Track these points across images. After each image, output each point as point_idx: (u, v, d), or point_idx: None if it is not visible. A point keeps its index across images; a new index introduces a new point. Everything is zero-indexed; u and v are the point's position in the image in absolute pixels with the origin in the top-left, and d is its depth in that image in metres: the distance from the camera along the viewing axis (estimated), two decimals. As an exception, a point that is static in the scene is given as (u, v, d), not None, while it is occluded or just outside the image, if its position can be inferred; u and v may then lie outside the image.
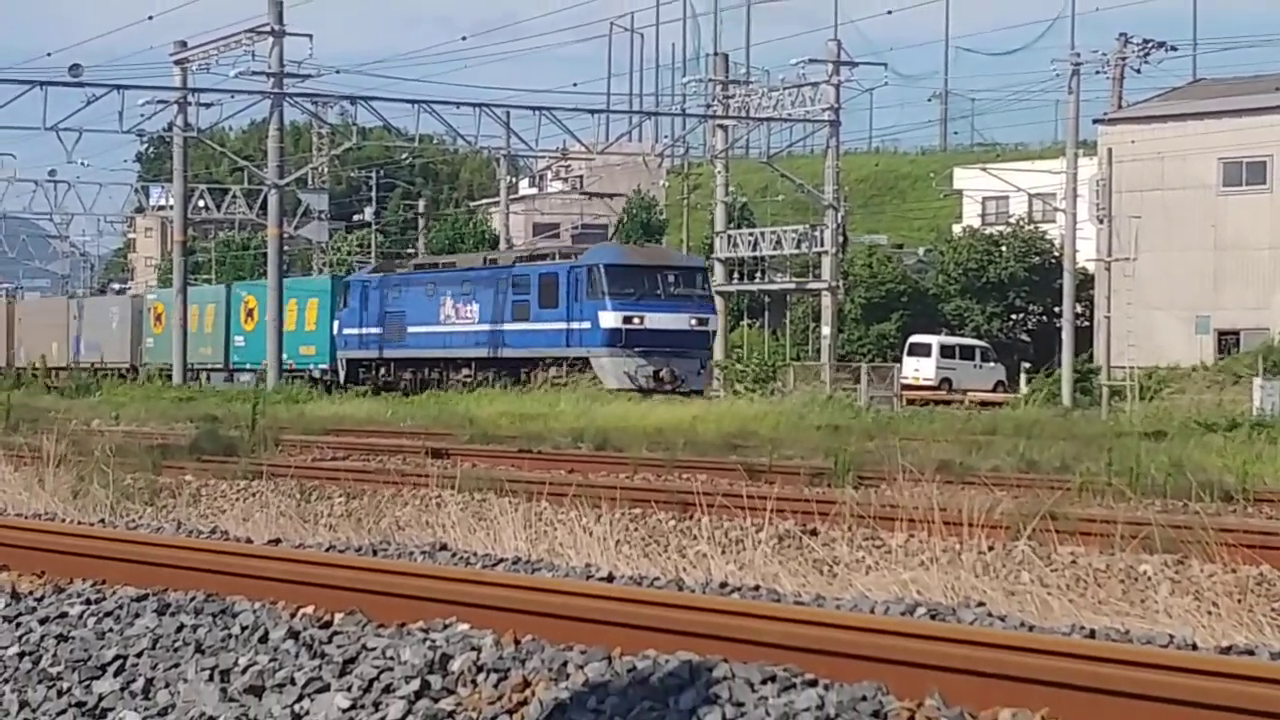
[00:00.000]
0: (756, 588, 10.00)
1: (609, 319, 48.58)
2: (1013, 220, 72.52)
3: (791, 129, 66.72)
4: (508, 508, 14.38)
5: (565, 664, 6.80)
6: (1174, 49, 62.05)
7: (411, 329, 56.01)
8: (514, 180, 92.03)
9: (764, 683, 6.35)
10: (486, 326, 52.78)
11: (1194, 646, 7.79)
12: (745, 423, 33.70)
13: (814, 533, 14.12)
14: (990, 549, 12.87)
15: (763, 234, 67.63)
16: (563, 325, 49.84)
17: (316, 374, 61.83)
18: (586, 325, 48.95)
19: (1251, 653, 7.61)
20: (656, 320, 48.67)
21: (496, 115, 60.77)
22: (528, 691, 6.59)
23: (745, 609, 7.48)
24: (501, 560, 11.19)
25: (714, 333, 51.82)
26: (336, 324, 60.06)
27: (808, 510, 14.82)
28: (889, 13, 68.56)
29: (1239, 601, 10.01)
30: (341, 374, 59.17)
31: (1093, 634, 8.07)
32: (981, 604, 9.33)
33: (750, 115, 64.65)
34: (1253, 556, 11.89)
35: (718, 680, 6.36)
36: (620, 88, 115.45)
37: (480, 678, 6.76)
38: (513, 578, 8.94)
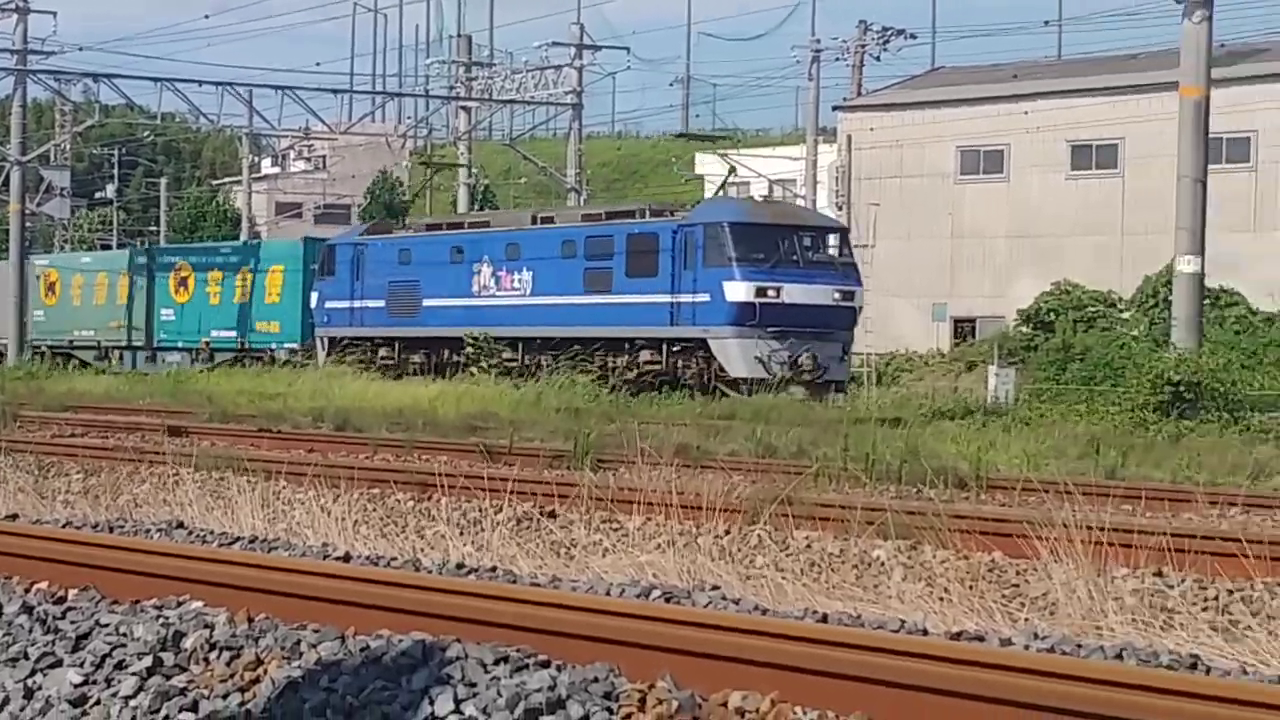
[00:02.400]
0: (494, 569, 9.91)
1: (737, 290, 38.57)
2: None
3: (534, 112, 66.64)
4: (245, 487, 14.14)
5: (298, 643, 6.77)
6: (913, 37, 63.14)
7: (429, 302, 45.88)
8: (256, 159, 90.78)
9: (497, 663, 6.31)
10: (545, 300, 42.71)
11: (925, 631, 7.85)
12: (486, 404, 33.59)
13: (552, 515, 14.07)
14: (727, 533, 12.91)
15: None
16: (667, 298, 39.79)
17: (283, 355, 51.93)
18: (704, 298, 39.00)
19: (981, 638, 7.69)
20: (795, 293, 38.92)
21: (239, 94, 59.87)
22: (260, 670, 6.58)
23: (480, 590, 7.39)
24: (238, 539, 11.01)
25: (860, 309, 41.41)
26: (315, 296, 49.63)
27: (547, 493, 14.76)
28: (633, -3, 68.86)
29: (970, 587, 10.11)
30: (321, 355, 48.83)
31: (825, 618, 8.10)
32: (716, 587, 9.33)
33: (493, 97, 64.46)
34: (985, 543, 12.06)
35: (451, 661, 6.29)
36: (364, 68, 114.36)
37: (213, 655, 6.76)
38: (248, 556, 8.78)
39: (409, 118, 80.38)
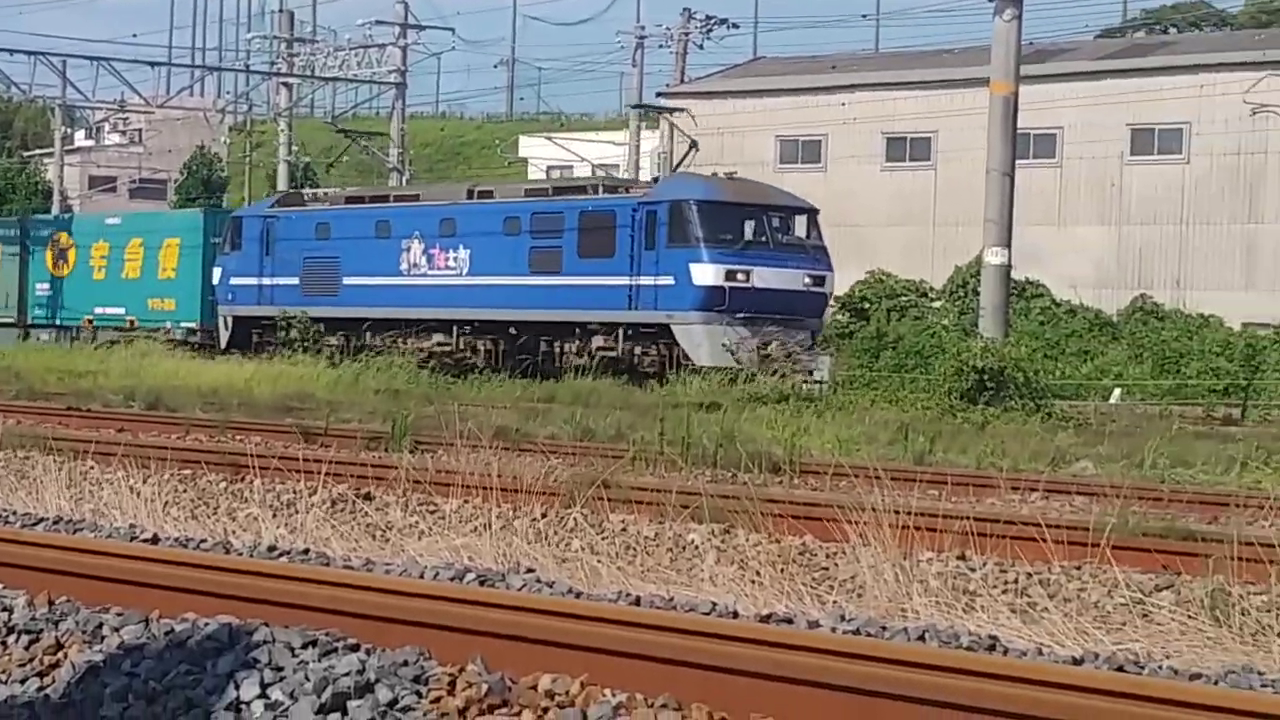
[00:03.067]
0: (306, 552, 9.87)
1: (705, 273, 36.11)
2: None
3: (357, 90, 66.21)
4: (51, 466, 13.93)
5: (100, 626, 6.66)
6: (736, 26, 63.56)
7: (349, 280, 42.92)
8: (69, 131, 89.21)
9: (305, 647, 6.27)
10: (484, 280, 39.93)
11: (736, 614, 7.95)
12: (303, 385, 33.34)
13: (368, 497, 14.01)
14: (544, 516, 12.95)
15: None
16: (625, 280, 37.22)
17: (178, 335, 48.28)
18: (668, 281, 36.48)
19: (790, 620, 7.79)
20: (766, 277, 36.44)
21: (52, 64, 58.85)
22: (60, 654, 6.46)
23: (291, 573, 7.36)
24: (42, 520, 10.85)
25: (830, 296, 39.27)
26: (218, 271, 46.37)
27: (363, 474, 14.70)
28: (459, -22, 68.63)
29: (781, 571, 10.24)
30: (223, 336, 45.83)
31: (638, 601, 8.17)
32: (531, 570, 9.37)
33: (315, 74, 63.91)
34: (797, 527, 12.20)
35: (258, 644, 6.26)
36: (183, 41, 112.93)
37: (10, 639, 6.62)
38: (50, 537, 8.66)
39: (228, 93, 79.48)
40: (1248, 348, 45.96)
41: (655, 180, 39.41)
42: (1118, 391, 40.23)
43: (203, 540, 9.95)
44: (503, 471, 13.68)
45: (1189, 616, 9.07)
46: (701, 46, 62.45)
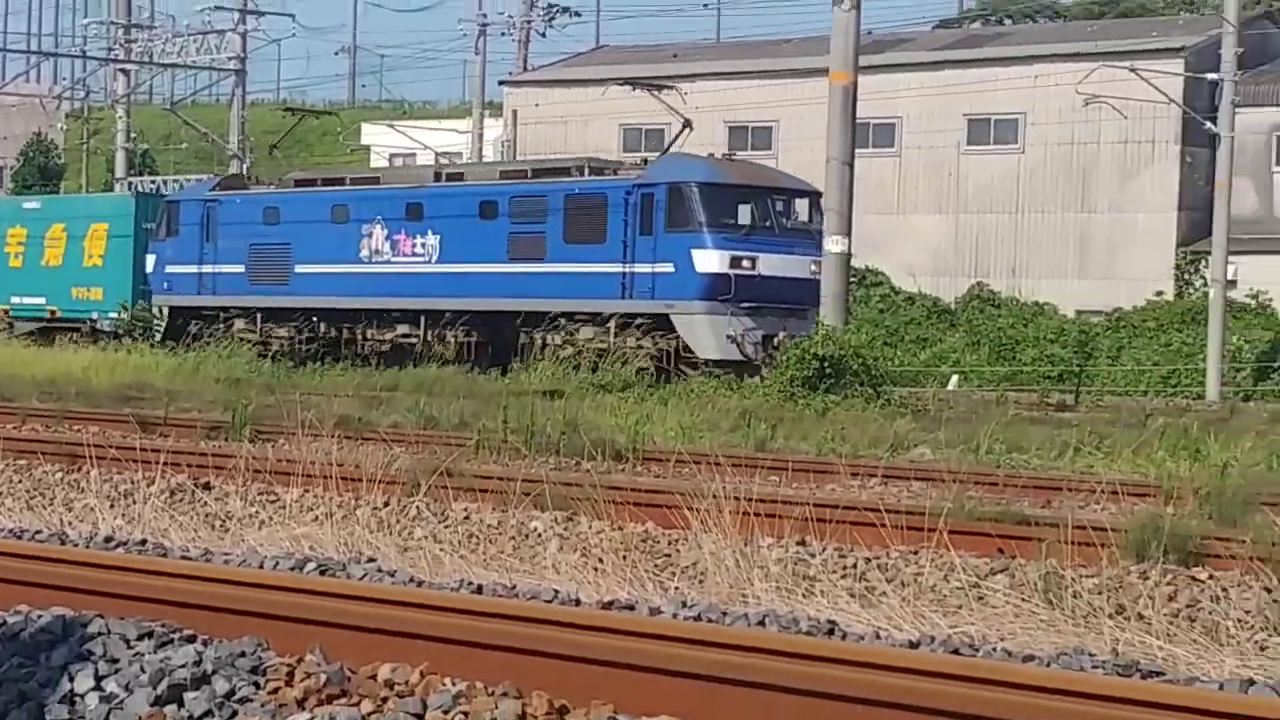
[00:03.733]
0: (144, 542, 9.77)
1: (708, 260, 34.06)
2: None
3: (197, 76, 65.48)
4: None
5: (-70, 621, 6.52)
6: (578, 15, 63.61)
7: (302, 268, 40.53)
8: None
9: (141, 639, 6.22)
10: (455, 267, 37.69)
11: (578, 601, 7.97)
12: (141, 374, 32.94)
13: (208, 487, 13.89)
14: (386, 505, 12.90)
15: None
16: (618, 267, 35.12)
17: (106, 326, 45.63)
18: (667, 268, 34.43)
19: (632, 608, 7.83)
20: (772, 264, 34.30)
21: (-119, 47, 57.61)
22: (-112, 652, 6.31)
23: (127, 563, 7.29)
24: None
25: None
26: (152, 259, 43.60)
27: (202, 464, 14.56)
28: (299, -36, 68.26)
29: (624, 558, 10.28)
30: (159, 327, 43.36)
31: (479, 589, 8.17)
32: (373, 559, 9.34)
33: (154, 60, 63.13)
34: (639, 514, 12.25)
35: (92, 636, 6.19)
36: (17, 26, 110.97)
37: None
38: (-121, 533, 8.49)
39: (64, 79, 78.27)
40: (1080, 335, 46.75)
41: (645, 161, 37.11)
42: (955, 378, 40.75)
43: (38, 531, 9.82)
44: (344, 460, 13.62)
45: (1023, 599, 9.22)
46: (544, 35, 62.48)
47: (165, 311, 43.31)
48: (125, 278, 45.91)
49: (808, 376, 28.16)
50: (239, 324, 41.39)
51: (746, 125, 54.29)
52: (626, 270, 34.98)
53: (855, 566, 10.67)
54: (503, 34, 62.43)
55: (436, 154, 51.39)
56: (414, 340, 38.23)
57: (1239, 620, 9.29)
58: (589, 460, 16.88)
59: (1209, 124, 41.61)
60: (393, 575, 8.59)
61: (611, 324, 34.98)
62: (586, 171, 36.90)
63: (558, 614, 6.50)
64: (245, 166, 60.08)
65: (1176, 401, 36.29)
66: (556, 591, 8.25)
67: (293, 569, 8.46)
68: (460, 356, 36.72)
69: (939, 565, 10.45)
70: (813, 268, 33.84)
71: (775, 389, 28.58)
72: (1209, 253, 42.92)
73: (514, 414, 19.46)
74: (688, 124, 37.01)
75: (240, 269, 41.66)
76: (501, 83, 62.59)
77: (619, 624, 6.34)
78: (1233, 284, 43.60)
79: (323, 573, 8.44)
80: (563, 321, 35.85)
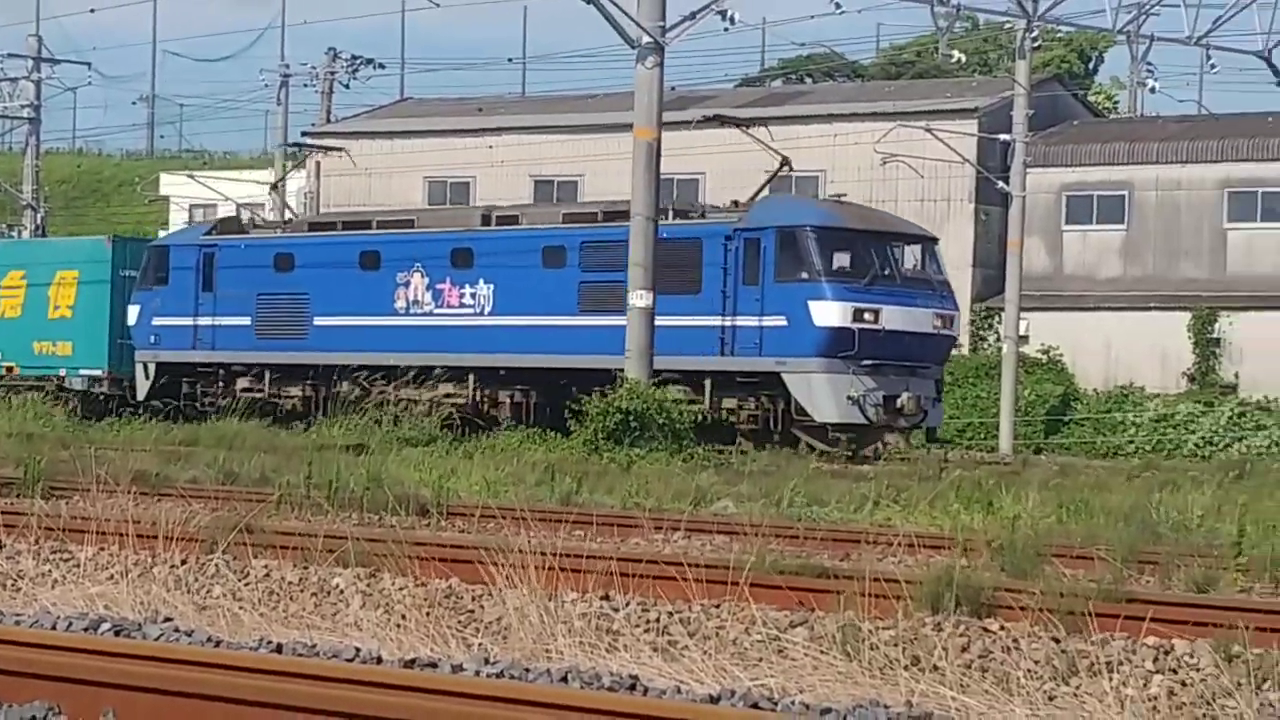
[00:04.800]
0: (-67, 604, 9.58)
1: (828, 312, 31.17)
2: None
3: (-9, 125, 64.39)
4: None
5: None
6: (382, 66, 63.39)
7: (323, 320, 36.85)
8: None
9: (-69, 705, 6.10)
10: (514, 320, 33.99)
11: (380, 660, 7.95)
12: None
13: None
14: (184, 562, 12.76)
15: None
16: (715, 320, 31.98)
17: (78, 384, 41.42)
18: (778, 321, 31.41)
19: (434, 665, 7.83)
20: (895, 318, 31.68)
21: None
22: None
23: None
24: None
25: (957, 338, 34.23)
26: (135, 310, 39.63)
27: (-8, 522, 14.29)
28: (92, 11, 67.24)
29: (427, 614, 10.27)
30: (143, 386, 39.31)
31: (279, 648, 8.11)
32: (170, 619, 9.24)
33: (-54, 108, 61.97)
34: (443, 569, 12.23)
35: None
36: None
37: None
38: None
39: None
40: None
41: (736, 204, 33.91)
42: None
43: None
44: (141, 517, 13.44)
45: (821, 651, 9.36)
46: (348, 86, 62.19)
47: (151, 369, 39.32)
48: (100, 331, 41.48)
49: (612, 430, 28.27)
50: (243, 382, 37.78)
51: (552, 179, 54.48)
52: (727, 324, 31.95)
53: (658, 620, 10.74)
54: (305, 85, 62.10)
55: (237, 205, 50.82)
56: (460, 400, 34.90)
57: (1029, 670, 9.50)
58: (393, 515, 16.81)
59: (1001, 184, 42.41)
60: (190, 635, 8.50)
61: (707, 383, 32.10)
62: (671, 214, 33.20)
63: (359, 673, 6.49)
64: (39, 217, 59.07)
65: (971, 454, 36.78)
66: (358, 649, 8.22)
67: (86, 630, 8.35)
68: (517, 417, 33.94)
69: (740, 619, 10.56)
70: (935, 321, 32.36)
71: (580, 442, 28.64)
72: (1003, 309, 43.73)
73: (317, 468, 19.33)
74: (786, 162, 34.52)
75: (245, 321, 38.03)
76: (304, 134, 62.18)
77: (421, 682, 6.35)
78: (1025, 339, 44.46)
79: (118, 633, 8.33)
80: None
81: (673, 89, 44.88)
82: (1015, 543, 13.45)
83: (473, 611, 11.17)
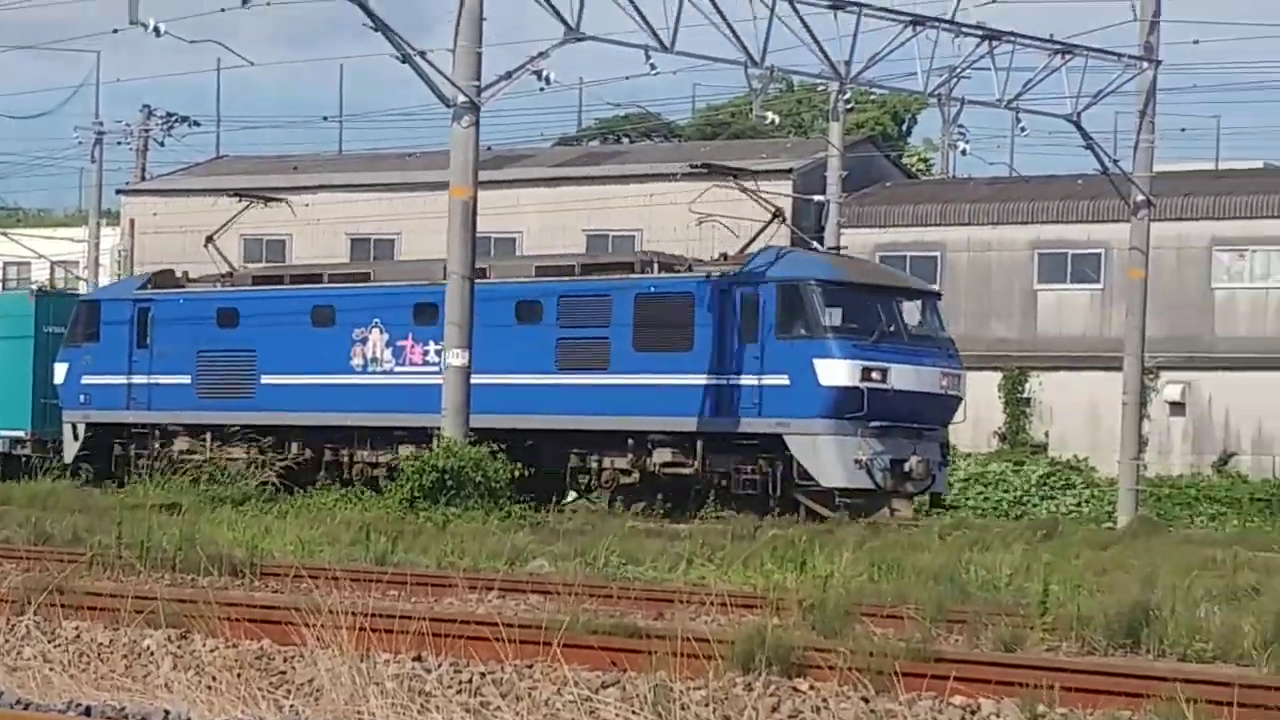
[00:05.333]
0: None
1: (835, 371, 29.69)
2: (34, 287, 71.19)
3: None
4: None
5: None
6: (197, 124, 62.88)
7: (271, 379, 34.99)
8: None
9: None
10: (485, 379, 30.63)
11: (190, 721, 7.93)
12: None
13: None
14: (-8, 624, 12.59)
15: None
16: (707, 379, 30.45)
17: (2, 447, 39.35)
18: (779, 380, 29.82)
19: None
20: (903, 377, 30.21)
21: None
22: None
23: None
24: None
25: (963, 398, 32.16)
26: (63, 368, 37.73)
27: None
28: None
29: (239, 675, 10.24)
30: (71, 448, 37.33)
31: (89, 710, 8.07)
32: (-23, 682, 9.14)
33: None
34: (255, 630, 12.18)
35: None
36: None
37: None
38: None
39: None
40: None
41: (725, 257, 32.25)
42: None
43: None
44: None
45: (634, 712, 9.45)
46: (163, 143, 61.67)
47: (80, 429, 37.26)
48: (23, 390, 39.49)
49: (428, 488, 28.22)
50: (181, 443, 35.85)
51: (369, 237, 54.33)
52: (722, 382, 30.38)
53: (471, 681, 10.77)
54: (119, 142, 61.45)
55: (52, 263, 50.18)
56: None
57: (837, 729, 9.63)
58: (205, 575, 16.69)
59: (816, 244, 42.92)
60: (0, 696, 8.43)
61: (698, 445, 30.52)
62: (656, 267, 32.17)
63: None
64: None
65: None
66: (168, 712, 8.20)
67: (-106, 694, 8.24)
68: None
69: (553, 679, 10.62)
70: (942, 381, 30.95)
71: (396, 501, 28.54)
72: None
73: (129, 528, 19.12)
74: (778, 213, 33.61)
75: (185, 379, 36.11)
76: (119, 191, 61.53)
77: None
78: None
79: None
80: (631, 442, 31.19)
81: (489, 148, 44.93)
82: (827, 602, 13.63)
83: (284, 672, 11.14)
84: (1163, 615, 13.42)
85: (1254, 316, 45.06)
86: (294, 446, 34.52)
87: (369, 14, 29.30)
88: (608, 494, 31.37)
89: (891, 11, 33.83)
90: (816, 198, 44.28)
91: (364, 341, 34.26)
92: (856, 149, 49.78)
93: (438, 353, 31.95)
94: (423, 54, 29.89)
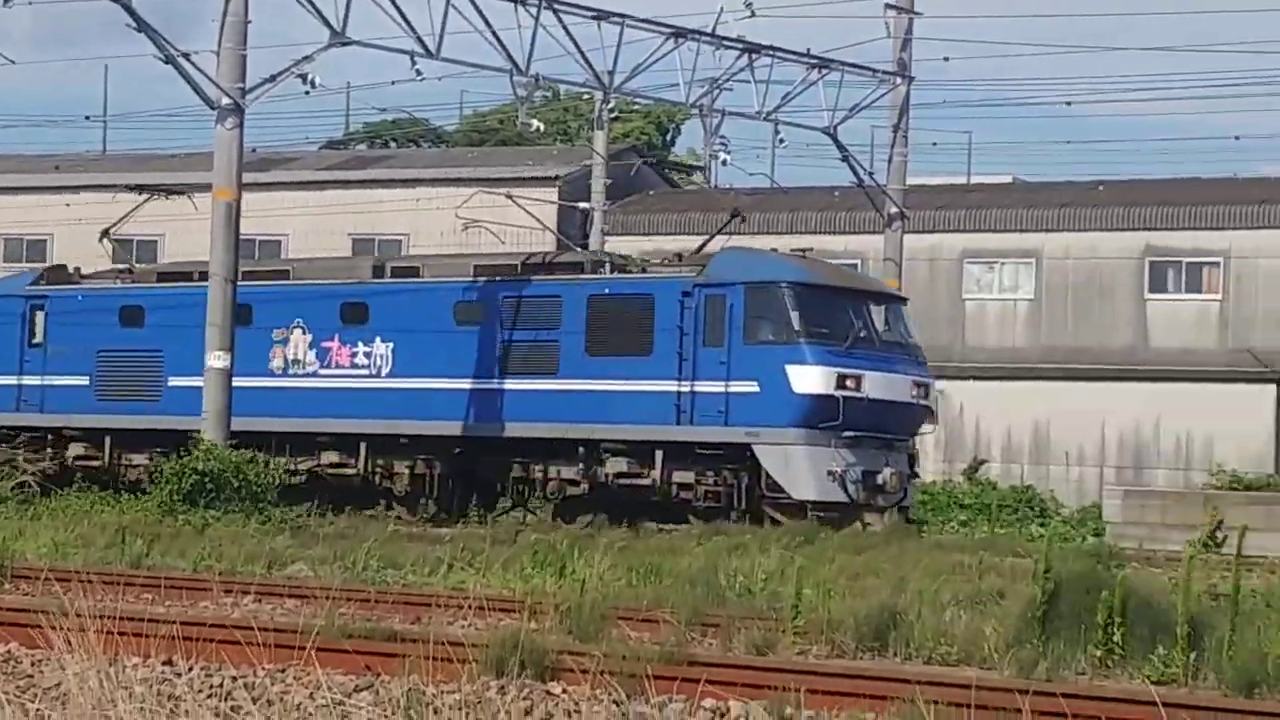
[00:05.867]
0: None
1: (808, 378, 28.43)
2: None
3: None
4: None
5: None
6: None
7: (179, 381, 32.52)
8: None
9: None
10: (415, 382, 30.80)
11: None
12: None
13: None
14: None
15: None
16: (670, 385, 29.06)
17: None
18: (749, 388, 28.59)
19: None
20: (876, 384, 29.01)
21: None
22: None
23: None
24: None
25: (931, 410, 31.31)
26: None
27: None
28: None
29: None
30: None
31: None
32: None
33: None
34: (2, 634, 11.99)
35: None
36: None
37: None
38: None
39: None
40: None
41: (679, 257, 31.17)
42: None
43: None
44: None
45: (386, 716, 9.45)
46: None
47: None
48: None
49: (188, 491, 27.88)
50: (76, 448, 34.17)
51: (131, 238, 53.49)
52: (684, 389, 28.95)
53: (222, 685, 10.70)
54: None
55: None
56: (348, 471, 31.72)
57: (589, 731, 9.72)
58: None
59: (580, 250, 43.17)
60: None
61: (658, 454, 29.08)
62: (609, 268, 30.94)
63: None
64: None
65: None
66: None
67: None
68: (419, 491, 30.98)
69: (306, 683, 10.58)
70: (914, 390, 29.78)
71: (155, 504, 28.16)
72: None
73: None
74: (737, 212, 33.05)
75: (83, 381, 34.23)
76: None
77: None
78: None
79: None
80: (581, 451, 29.83)
81: (254, 150, 44.50)
82: (583, 606, 13.72)
83: (31, 676, 10.98)
84: (910, 619, 13.71)
85: (1002, 327, 46.16)
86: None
87: (132, 14, 28.94)
88: (550, 506, 30.26)
89: (653, 23, 34.21)
90: (581, 205, 44.50)
91: (284, 343, 32.83)
92: (621, 158, 50.11)
93: (367, 354, 31.44)
94: (187, 55, 29.61)
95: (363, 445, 31.41)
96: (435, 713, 9.45)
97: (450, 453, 30.75)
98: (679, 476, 29.01)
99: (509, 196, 34.63)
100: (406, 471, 31.31)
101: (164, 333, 33.49)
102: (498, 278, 31.35)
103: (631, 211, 49.27)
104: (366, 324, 31.62)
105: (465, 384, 30.77)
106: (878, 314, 30.07)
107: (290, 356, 32.67)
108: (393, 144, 68.79)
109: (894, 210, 38.35)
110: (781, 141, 38.77)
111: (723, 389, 28.68)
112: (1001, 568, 19.56)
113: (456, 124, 70.48)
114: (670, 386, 29.03)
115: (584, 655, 11.04)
